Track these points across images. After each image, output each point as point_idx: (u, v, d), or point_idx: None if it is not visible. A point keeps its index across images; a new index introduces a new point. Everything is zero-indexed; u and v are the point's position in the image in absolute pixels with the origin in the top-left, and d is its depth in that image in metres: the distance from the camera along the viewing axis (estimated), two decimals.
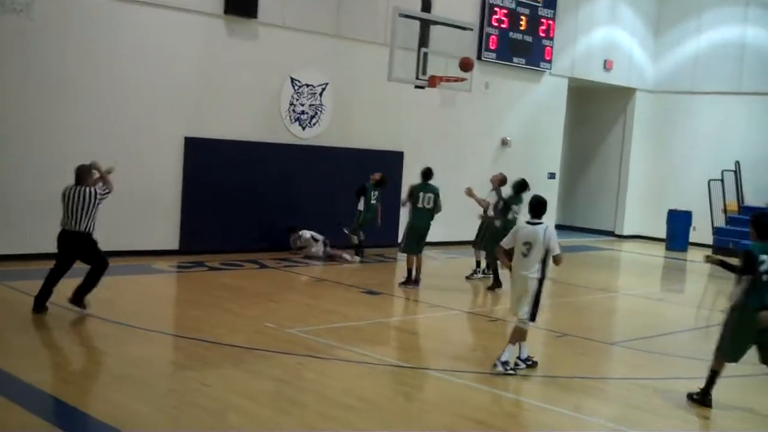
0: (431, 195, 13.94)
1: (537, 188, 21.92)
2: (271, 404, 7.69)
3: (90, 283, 10.54)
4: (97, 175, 10.71)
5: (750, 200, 23.13)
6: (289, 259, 16.01)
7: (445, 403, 8.06)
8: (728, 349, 8.41)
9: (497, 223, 13.98)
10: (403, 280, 13.95)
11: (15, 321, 10.05)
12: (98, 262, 10.59)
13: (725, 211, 23.46)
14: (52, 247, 10.64)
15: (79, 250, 10.53)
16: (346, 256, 16.14)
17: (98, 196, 10.50)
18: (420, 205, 13.93)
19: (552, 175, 22.90)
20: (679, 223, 23.18)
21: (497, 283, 14.00)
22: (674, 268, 20.59)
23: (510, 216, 13.98)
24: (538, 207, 9.30)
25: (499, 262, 12.82)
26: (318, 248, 16.31)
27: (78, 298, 10.49)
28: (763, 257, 8.18)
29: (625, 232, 25.09)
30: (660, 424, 7.91)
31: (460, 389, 8.53)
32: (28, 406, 7.08)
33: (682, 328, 12.77)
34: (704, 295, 17.55)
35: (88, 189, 10.47)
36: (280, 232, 16.76)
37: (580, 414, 8.06)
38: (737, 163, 23.27)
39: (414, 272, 13.90)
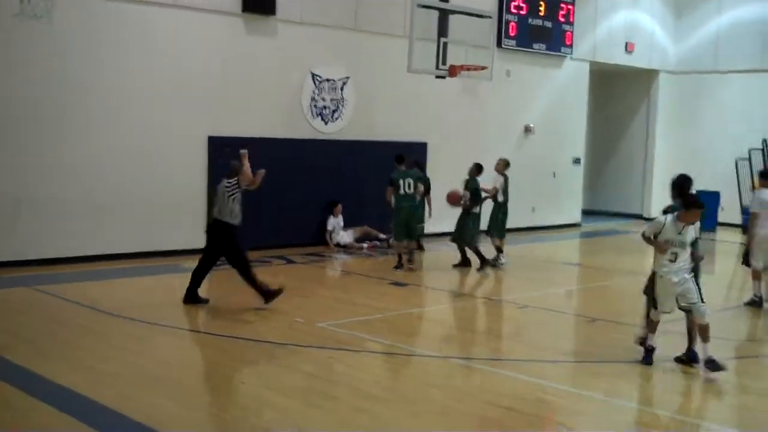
0: (410, 180, 14.39)
1: (563, 174, 22.10)
2: (303, 398, 7.74)
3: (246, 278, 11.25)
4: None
5: None
6: (317, 254, 16.07)
7: (475, 391, 8.07)
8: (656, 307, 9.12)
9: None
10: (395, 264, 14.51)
11: (45, 324, 10.18)
12: (232, 257, 11.31)
13: (753, 189, 23.22)
14: (84, 250, 10.76)
15: (213, 241, 11.45)
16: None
17: (227, 189, 11.15)
18: (402, 191, 14.37)
19: (577, 161, 22.81)
20: (707, 203, 22.73)
21: (465, 263, 14.87)
22: (704, 249, 20.39)
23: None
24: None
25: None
26: (344, 237, 16.68)
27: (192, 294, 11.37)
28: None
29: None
30: (691, 406, 7.87)
31: (489, 377, 8.54)
32: (64, 408, 7.16)
33: (713, 308, 12.65)
34: (734, 275, 17.40)
35: (222, 182, 11.26)
36: (307, 227, 16.82)
37: (612, 398, 8.04)
38: (764, 141, 23.04)
39: (404, 258, 14.40)
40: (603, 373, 8.93)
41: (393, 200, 14.58)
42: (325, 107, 17.33)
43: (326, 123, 17.40)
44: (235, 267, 11.44)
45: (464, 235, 14.61)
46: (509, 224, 16.02)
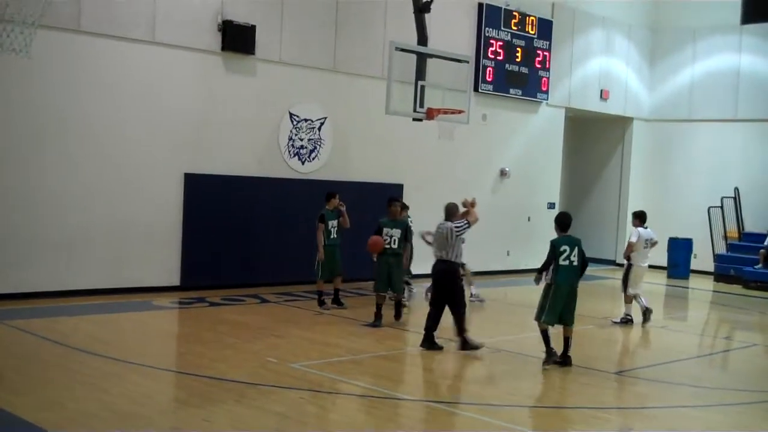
0: (397, 233, 13.54)
1: (538, 218, 22.18)
2: None
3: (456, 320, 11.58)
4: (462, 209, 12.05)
5: (750, 226, 23.17)
6: (290, 293, 15.98)
7: None
8: (549, 315, 10.90)
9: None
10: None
11: (14, 360, 10.03)
12: (457, 298, 11.60)
13: (726, 237, 23.49)
14: (54, 285, 10.63)
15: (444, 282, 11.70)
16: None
17: (458, 230, 11.70)
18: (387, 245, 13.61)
19: (552, 205, 22.93)
20: (680, 250, 23.17)
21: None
22: (676, 296, 20.54)
23: None
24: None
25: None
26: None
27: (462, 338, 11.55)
28: (564, 247, 10.95)
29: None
30: None
31: (462, 421, 8.49)
32: None
33: (686, 356, 12.72)
34: (707, 323, 17.50)
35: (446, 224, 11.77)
36: (282, 266, 16.76)
37: None
38: (736, 189, 23.33)
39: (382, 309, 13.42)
40: (576, 419, 8.92)
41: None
42: (302, 147, 17.36)
43: (303, 163, 17.42)
44: (455, 307, 11.58)
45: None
46: (486, 267, 16.07)
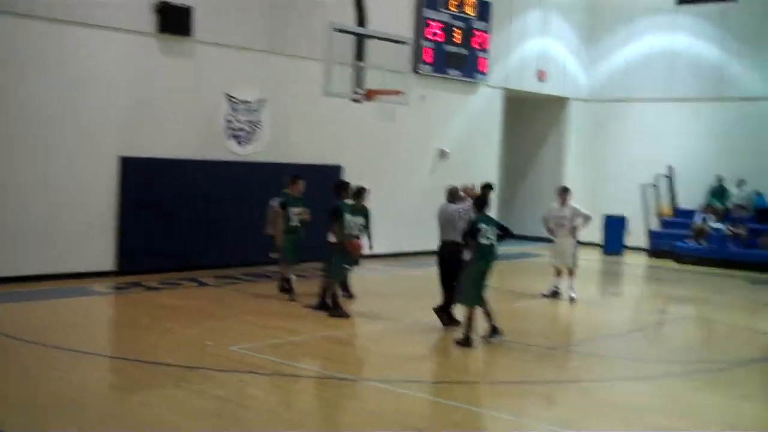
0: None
1: None
2: (214, 423, 7.66)
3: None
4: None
5: (683, 203, 23.68)
6: (230, 277, 15.92)
7: (388, 414, 8.10)
8: (472, 296, 10.98)
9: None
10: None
11: None
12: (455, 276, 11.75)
13: (660, 214, 23.99)
14: None
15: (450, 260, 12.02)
16: None
17: (462, 212, 11.99)
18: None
19: (490, 185, 23.10)
20: (614, 227, 23.60)
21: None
22: (611, 272, 20.94)
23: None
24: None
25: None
26: None
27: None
28: (483, 225, 11.03)
29: None
30: (599, 425, 8.05)
31: (402, 400, 8.58)
32: None
33: (620, 331, 13.01)
34: (641, 298, 17.88)
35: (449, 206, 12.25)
36: (221, 249, 16.68)
37: (522, 419, 8.17)
38: (670, 167, 23.81)
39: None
40: (513, 393, 9.08)
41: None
42: (240, 129, 17.26)
43: (242, 145, 17.32)
44: (450, 286, 11.90)
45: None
46: (425, 247, 16.18)
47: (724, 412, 8.81)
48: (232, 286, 15.18)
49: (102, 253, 15.29)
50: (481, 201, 11.50)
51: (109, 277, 15.10)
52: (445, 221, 12.25)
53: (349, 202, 13.35)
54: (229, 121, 17.05)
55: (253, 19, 17.27)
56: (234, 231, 16.77)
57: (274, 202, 14.51)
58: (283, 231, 13.94)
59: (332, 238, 12.72)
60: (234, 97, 17.07)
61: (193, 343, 10.56)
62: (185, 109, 16.33)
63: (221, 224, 16.72)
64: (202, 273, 15.96)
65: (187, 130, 16.43)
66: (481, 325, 11.23)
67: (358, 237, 13.38)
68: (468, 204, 12.07)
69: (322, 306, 12.84)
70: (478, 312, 11.12)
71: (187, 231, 16.30)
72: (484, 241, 11.06)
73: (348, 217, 12.74)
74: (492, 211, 20.65)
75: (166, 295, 14.00)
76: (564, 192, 15.56)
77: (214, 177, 16.65)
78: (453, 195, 12.50)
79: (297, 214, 13.98)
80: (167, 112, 16.05)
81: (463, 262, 11.61)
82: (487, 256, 11.12)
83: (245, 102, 17.26)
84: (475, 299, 11.08)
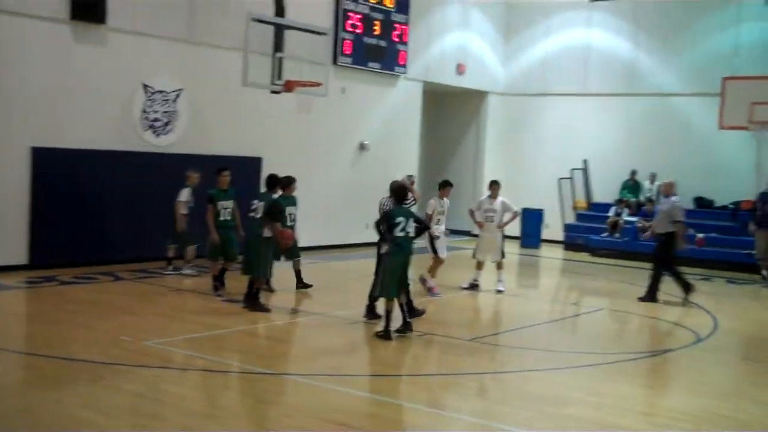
0: (261, 203, 12.90)
1: None
2: (129, 419, 7.50)
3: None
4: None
5: (598, 197, 24.16)
6: (146, 270, 15.62)
7: (308, 407, 8.05)
8: (388, 288, 10.99)
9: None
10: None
11: None
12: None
13: (575, 208, 24.44)
14: None
15: None
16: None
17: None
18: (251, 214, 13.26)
19: (410, 178, 23.19)
20: (531, 221, 23.95)
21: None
22: (529, 265, 21.24)
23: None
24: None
25: None
26: None
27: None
28: (400, 218, 10.98)
29: None
30: (518, 417, 8.14)
31: (321, 393, 8.54)
32: None
33: (536, 322, 13.18)
34: (557, 290, 18.19)
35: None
36: (137, 243, 16.35)
37: (441, 410, 8.21)
38: (585, 161, 24.26)
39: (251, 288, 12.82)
40: (432, 385, 9.12)
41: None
42: (156, 120, 16.93)
43: (158, 136, 17.00)
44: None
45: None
46: (345, 240, 16.18)
47: (637, 401, 9.01)
48: (149, 280, 14.90)
49: (13, 247, 14.84)
50: (399, 194, 11.44)
51: (21, 271, 14.67)
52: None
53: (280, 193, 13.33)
54: (145, 112, 16.71)
55: (170, 8, 16.95)
56: (151, 224, 16.45)
57: (183, 197, 14.33)
58: (215, 226, 13.52)
59: (268, 233, 12.50)
60: (150, 87, 16.73)
61: (108, 338, 10.32)
62: (100, 98, 15.94)
63: (138, 217, 16.39)
64: (118, 267, 15.63)
65: (101, 121, 16.04)
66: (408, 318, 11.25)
67: (291, 228, 13.39)
68: (412, 196, 12.47)
69: (250, 301, 12.64)
70: (397, 305, 11.13)
71: (102, 224, 15.94)
72: (400, 234, 11.02)
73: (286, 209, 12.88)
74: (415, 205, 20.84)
75: (80, 290, 13.66)
76: (494, 185, 15.61)
77: (130, 168, 16.30)
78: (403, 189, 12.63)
79: (225, 207, 13.71)
80: (81, 102, 15.65)
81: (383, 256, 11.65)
82: (404, 249, 11.09)
83: (162, 92, 16.94)
84: (393, 292, 11.06)
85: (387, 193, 12.33)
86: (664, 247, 14.78)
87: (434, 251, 14.57)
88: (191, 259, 15.46)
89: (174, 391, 8.36)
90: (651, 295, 14.83)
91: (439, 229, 14.59)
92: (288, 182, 13.85)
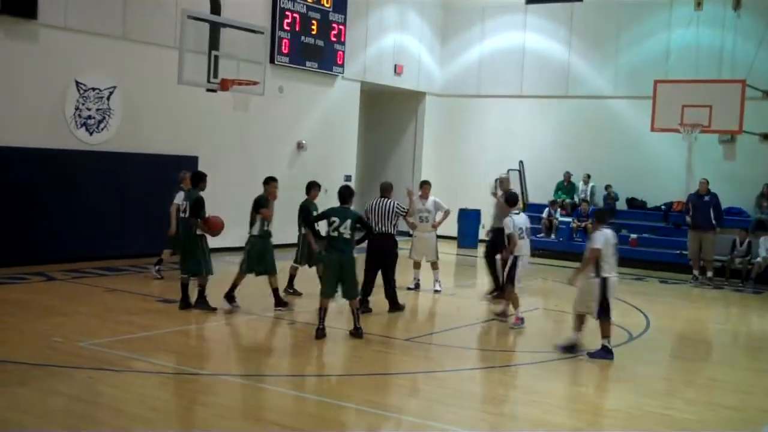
0: (187, 201, 12.72)
1: (334, 191, 22.28)
2: (63, 421, 7.36)
3: None
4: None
5: (533, 197, 24.43)
6: (80, 270, 15.33)
7: (242, 407, 8.00)
8: (324, 289, 11.01)
9: None
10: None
11: None
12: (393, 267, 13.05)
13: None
14: None
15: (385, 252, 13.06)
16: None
17: (399, 209, 13.28)
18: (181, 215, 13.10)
19: (348, 178, 23.21)
20: (469, 221, 24.09)
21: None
22: (466, 265, 21.38)
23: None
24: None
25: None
26: None
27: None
28: (334, 218, 10.97)
29: None
30: (453, 415, 8.19)
31: (257, 393, 8.50)
32: None
33: (473, 321, 13.27)
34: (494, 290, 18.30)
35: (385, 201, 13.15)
36: (69, 242, 16.04)
37: (378, 410, 8.21)
38: (521, 162, 24.52)
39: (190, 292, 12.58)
40: (370, 385, 9.12)
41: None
42: (90, 117, 16.63)
43: (91, 134, 16.70)
44: (390, 274, 13.01)
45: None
46: (284, 240, 16.04)
47: (572, 399, 9.15)
48: (83, 280, 14.63)
49: None
50: (344, 194, 11.33)
51: None
52: (384, 215, 13.04)
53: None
54: (78, 109, 16.41)
55: (104, 4, 16.69)
56: (84, 223, 16.19)
57: (177, 200, 14.05)
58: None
59: (199, 231, 12.36)
60: (83, 84, 16.44)
61: (39, 339, 10.11)
62: (31, 96, 15.62)
63: (70, 216, 16.07)
64: (50, 267, 15.31)
65: (33, 118, 15.70)
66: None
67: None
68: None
69: (204, 302, 12.44)
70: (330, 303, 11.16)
71: (33, 223, 15.60)
72: (333, 234, 10.95)
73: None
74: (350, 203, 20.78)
75: (10, 290, 13.35)
76: (426, 185, 15.64)
77: (62, 167, 15.98)
78: (387, 190, 13.45)
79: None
80: (12, 99, 15.32)
81: (396, 254, 12.61)
82: (335, 249, 10.98)
83: (95, 89, 16.65)
84: (327, 292, 11.02)
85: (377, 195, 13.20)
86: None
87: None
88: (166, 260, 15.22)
89: (108, 393, 8.23)
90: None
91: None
92: (309, 187, 14.12)
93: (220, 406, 8.15)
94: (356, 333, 11.03)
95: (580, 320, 10.85)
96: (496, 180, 15.78)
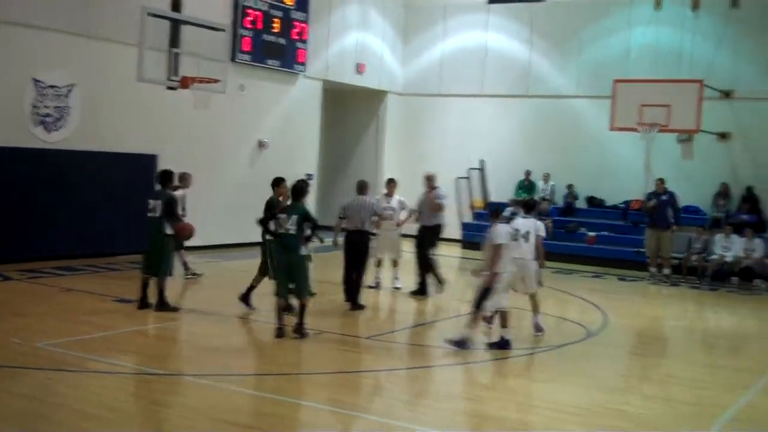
0: (159, 201, 12.27)
1: None
2: (20, 423, 7.28)
3: None
4: None
5: (494, 196, 24.55)
6: (37, 270, 15.16)
7: (205, 408, 7.96)
8: (276, 289, 11.02)
9: None
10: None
11: None
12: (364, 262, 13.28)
13: (472, 207, 24.82)
14: None
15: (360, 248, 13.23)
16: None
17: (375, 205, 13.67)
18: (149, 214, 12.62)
19: (310, 176, 23.15)
20: None
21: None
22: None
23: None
24: None
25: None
26: None
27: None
28: (281, 215, 10.92)
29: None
30: (413, 412, 8.23)
31: (219, 393, 8.46)
32: None
33: (432, 319, 13.35)
34: (454, 288, 18.39)
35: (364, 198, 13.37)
36: (26, 242, 15.85)
37: (338, 408, 8.23)
38: (482, 161, 24.65)
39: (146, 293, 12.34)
40: (332, 384, 9.14)
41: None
42: (48, 115, 16.44)
43: (49, 132, 16.51)
44: (361, 270, 13.24)
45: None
46: (245, 239, 16.06)
47: (530, 395, 9.24)
48: (39, 280, 14.46)
49: None
50: (293, 191, 11.26)
51: None
52: (361, 211, 13.30)
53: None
54: (36, 107, 16.22)
55: (63, 0, 16.49)
56: (41, 222, 15.99)
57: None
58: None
59: (170, 230, 12.28)
60: (41, 82, 16.25)
61: None
62: None
63: (26, 215, 15.88)
64: (6, 267, 15.09)
65: None
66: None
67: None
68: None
69: (163, 304, 12.31)
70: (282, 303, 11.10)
71: None
72: (280, 230, 10.88)
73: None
74: (312, 202, 20.81)
75: None
76: (391, 183, 15.71)
77: (19, 165, 15.78)
78: (363, 187, 13.70)
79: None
80: None
81: (368, 250, 12.83)
82: (283, 245, 10.91)
83: (53, 87, 16.47)
84: (278, 292, 10.99)
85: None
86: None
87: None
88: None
89: (67, 393, 8.17)
90: None
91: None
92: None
93: (180, 406, 8.13)
94: (299, 330, 10.80)
95: (477, 316, 10.94)
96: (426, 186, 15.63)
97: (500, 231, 10.72)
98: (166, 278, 12.37)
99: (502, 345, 10.75)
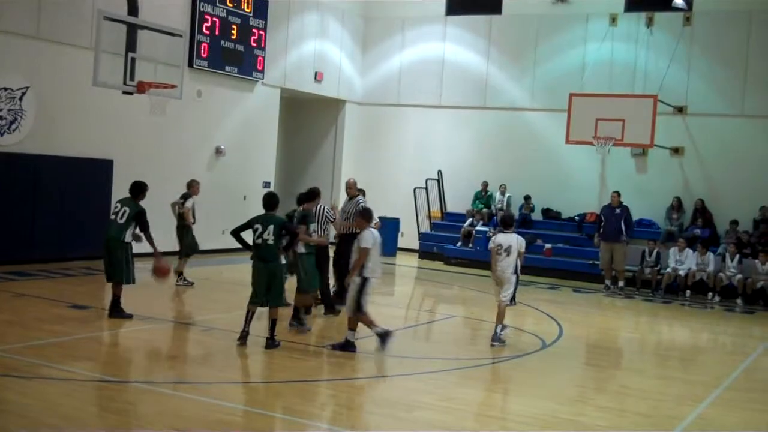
0: (126, 209, 12.18)
1: (253, 197, 22.21)
2: None
3: None
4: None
5: (451, 207, 24.66)
6: None
7: (158, 416, 7.84)
8: (252, 297, 10.85)
9: None
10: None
11: None
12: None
13: (429, 217, 24.87)
14: None
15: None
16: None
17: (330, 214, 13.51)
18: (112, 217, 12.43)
19: (267, 184, 23.06)
20: (388, 229, 24.12)
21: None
22: (384, 273, 21.34)
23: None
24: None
25: None
26: None
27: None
28: (257, 225, 10.74)
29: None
30: (369, 422, 8.19)
31: (170, 401, 8.35)
32: None
33: (390, 329, 13.28)
34: (412, 297, 18.43)
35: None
36: None
37: (294, 417, 8.16)
38: (440, 172, 24.73)
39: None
40: (286, 393, 9.06)
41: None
42: (1, 118, 16.17)
43: (2, 135, 16.23)
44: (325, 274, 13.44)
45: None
46: (201, 246, 15.94)
47: (485, 405, 9.26)
48: None
49: None
50: (264, 200, 11.06)
51: None
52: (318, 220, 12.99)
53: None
54: None
55: (17, 2, 16.26)
56: None
57: (189, 206, 15.10)
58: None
59: (129, 238, 12.10)
60: None
61: None
62: None
63: None
64: None
65: None
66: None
67: None
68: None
69: (119, 310, 12.11)
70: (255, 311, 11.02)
71: None
72: (258, 241, 10.76)
73: None
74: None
75: None
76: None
77: None
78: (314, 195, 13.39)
79: None
80: None
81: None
82: (261, 257, 10.80)
83: (6, 89, 16.20)
84: (253, 299, 10.90)
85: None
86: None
87: None
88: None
89: (16, 401, 7.99)
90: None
91: None
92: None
93: (132, 413, 7.99)
94: (271, 343, 10.81)
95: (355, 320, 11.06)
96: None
97: (367, 236, 10.81)
98: (122, 286, 12.15)
99: (346, 346, 10.95)
